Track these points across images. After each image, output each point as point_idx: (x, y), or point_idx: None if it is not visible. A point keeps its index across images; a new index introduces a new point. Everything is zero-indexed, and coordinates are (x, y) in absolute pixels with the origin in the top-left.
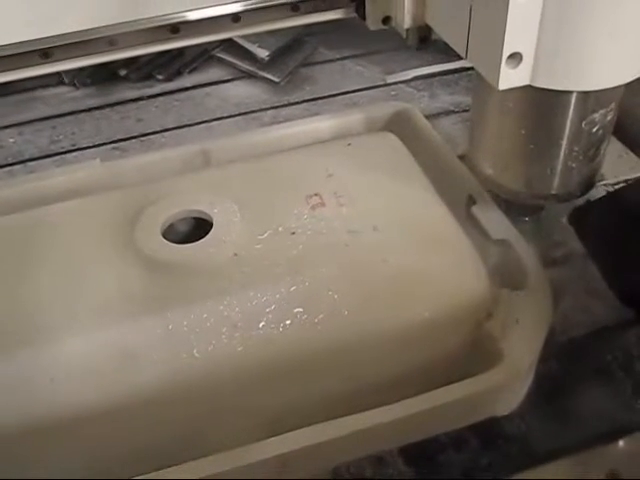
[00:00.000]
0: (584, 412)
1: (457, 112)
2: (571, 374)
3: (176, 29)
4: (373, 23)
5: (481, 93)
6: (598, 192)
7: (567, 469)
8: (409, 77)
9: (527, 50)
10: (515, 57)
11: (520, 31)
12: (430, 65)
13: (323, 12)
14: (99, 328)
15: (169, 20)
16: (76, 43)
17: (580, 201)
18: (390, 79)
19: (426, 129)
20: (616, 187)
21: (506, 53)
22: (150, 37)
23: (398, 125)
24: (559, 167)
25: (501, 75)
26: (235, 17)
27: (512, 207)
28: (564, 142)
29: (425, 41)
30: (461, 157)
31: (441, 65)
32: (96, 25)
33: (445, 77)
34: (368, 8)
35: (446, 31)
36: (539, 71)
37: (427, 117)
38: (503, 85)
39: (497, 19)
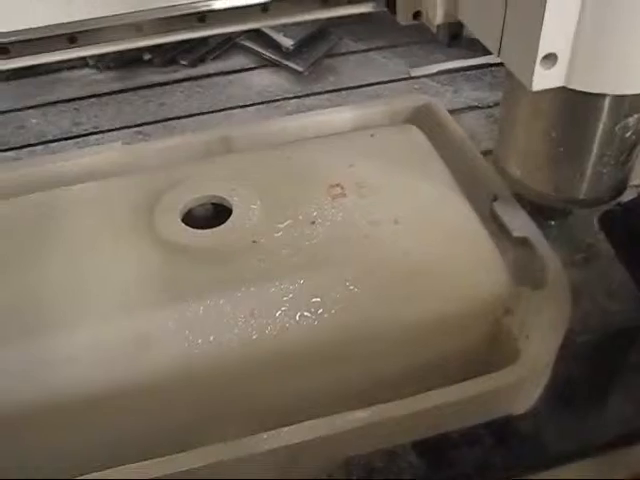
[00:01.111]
0: (601, 414)
1: (481, 108)
2: (589, 375)
3: (203, 18)
4: (404, 18)
5: (512, 92)
6: (628, 194)
7: (585, 471)
8: (433, 71)
9: (563, 51)
10: (550, 58)
11: (557, 31)
12: (455, 60)
13: (353, 5)
14: (116, 312)
15: (197, 8)
16: (102, 29)
17: (609, 205)
18: (414, 72)
19: (450, 124)
20: None
21: (541, 53)
22: (176, 25)
23: (421, 119)
24: (589, 171)
25: (535, 76)
26: (264, 7)
27: (539, 210)
28: (595, 146)
29: (456, 38)
30: (484, 153)
31: (466, 60)
32: (123, 11)
33: (469, 72)
34: (399, 2)
35: (479, 28)
36: (574, 73)
37: (450, 112)
38: (537, 86)
39: (533, 17)
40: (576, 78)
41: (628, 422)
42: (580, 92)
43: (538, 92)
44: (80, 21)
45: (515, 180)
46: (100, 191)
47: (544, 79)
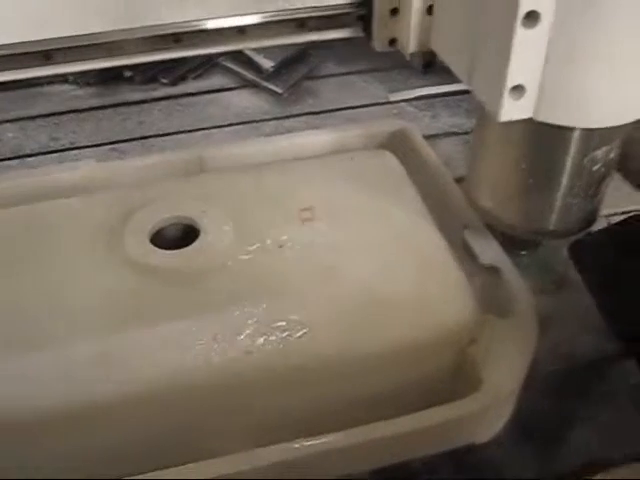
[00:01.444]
0: (564, 445)
1: (458, 134)
2: (554, 405)
3: (178, 39)
4: (379, 44)
5: (483, 122)
6: (598, 224)
7: None
8: (412, 96)
9: (531, 83)
10: (518, 89)
11: (524, 63)
12: (434, 86)
13: (330, 30)
14: (80, 331)
15: (173, 29)
16: (78, 47)
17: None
18: (393, 97)
19: (424, 149)
20: (612, 219)
21: (509, 85)
22: (152, 45)
23: (397, 144)
24: (558, 203)
25: (503, 107)
26: (241, 30)
27: (510, 240)
28: (564, 178)
29: (430, 65)
30: (459, 180)
31: (445, 86)
32: (98, 30)
33: (448, 98)
34: (375, 29)
35: (450, 58)
36: (542, 105)
37: (428, 137)
38: (504, 117)
39: (502, 50)
40: (544, 110)
41: (591, 453)
42: (549, 124)
43: (508, 123)
44: (55, 39)
45: (486, 211)
46: (70, 208)
47: (512, 110)
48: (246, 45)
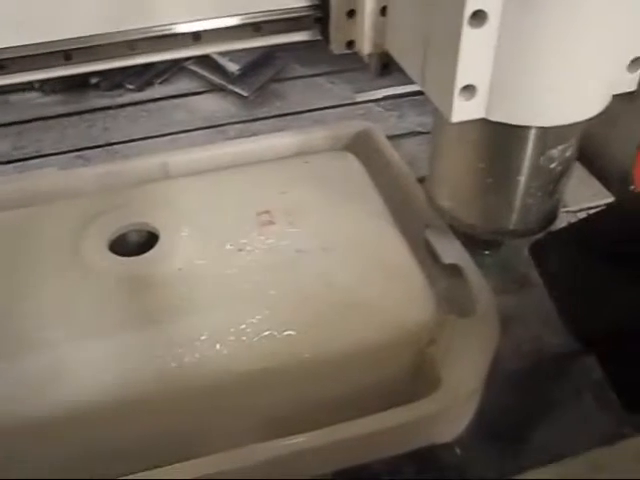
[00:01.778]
0: (528, 443)
1: (424, 133)
2: (518, 404)
3: (133, 46)
4: (337, 47)
5: (440, 124)
6: (565, 219)
7: None
8: (379, 96)
9: (481, 82)
10: (469, 89)
11: (474, 62)
12: (401, 85)
13: (287, 33)
14: (34, 340)
15: (126, 37)
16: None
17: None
18: (360, 97)
19: (387, 150)
20: (579, 215)
21: (459, 85)
22: (104, 53)
23: (359, 145)
24: (517, 203)
25: (454, 107)
26: (196, 36)
27: (472, 240)
28: (522, 178)
29: (387, 67)
30: (423, 179)
31: (412, 86)
32: (47, 39)
33: (415, 98)
34: (332, 32)
35: (404, 59)
36: (494, 105)
37: (394, 137)
38: (456, 118)
39: (450, 49)
40: (496, 110)
41: (554, 452)
42: (503, 124)
43: (464, 123)
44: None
45: (446, 211)
46: (30, 217)
47: (464, 110)
48: (202, 51)
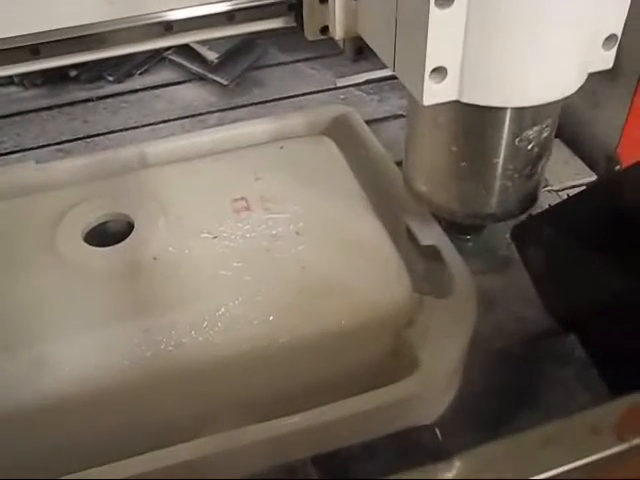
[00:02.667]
0: (509, 425)
1: (405, 116)
2: (501, 383)
3: (103, 39)
4: (311, 33)
5: (413, 108)
6: (550, 199)
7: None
8: (360, 80)
9: (452, 64)
10: (439, 71)
11: (443, 44)
12: (382, 69)
13: (261, 21)
14: (12, 331)
15: (96, 29)
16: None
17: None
18: (340, 82)
19: (364, 134)
20: (560, 194)
21: (429, 67)
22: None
23: (337, 129)
24: (494, 186)
25: (425, 90)
26: (167, 26)
27: (453, 225)
28: (498, 160)
29: (361, 52)
30: (401, 164)
31: None
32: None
33: (396, 81)
34: (305, 18)
35: (376, 43)
36: (466, 86)
37: (374, 121)
38: (428, 101)
39: (418, 31)
40: (468, 92)
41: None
42: (476, 106)
43: (436, 106)
44: None
45: (422, 196)
46: (6, 210)
47: (435, 93)
48: (175, 41)
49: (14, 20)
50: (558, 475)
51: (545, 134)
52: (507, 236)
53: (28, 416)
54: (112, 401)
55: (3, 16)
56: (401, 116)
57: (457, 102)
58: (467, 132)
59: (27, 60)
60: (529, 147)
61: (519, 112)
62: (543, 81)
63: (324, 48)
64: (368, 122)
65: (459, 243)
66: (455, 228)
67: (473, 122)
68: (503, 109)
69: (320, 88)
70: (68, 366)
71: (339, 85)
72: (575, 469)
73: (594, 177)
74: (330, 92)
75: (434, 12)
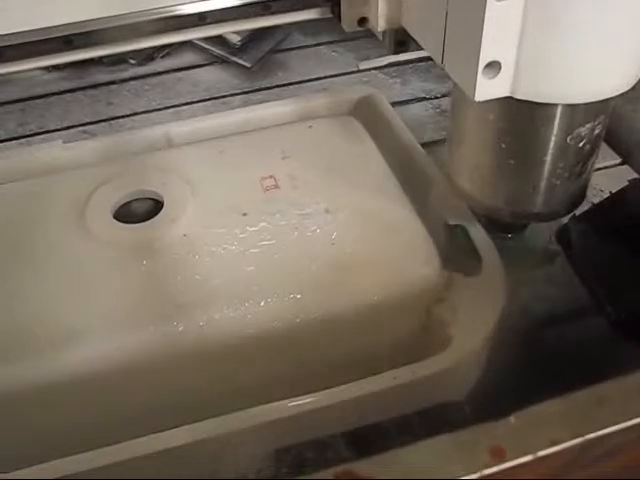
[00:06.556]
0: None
1: (428, 99)
2: (527, 362)
3: (137, 30)
4: (348, 24)
5: (459, 103)
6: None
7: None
8: (383, 64)
9: (507, 59)
10: (493, 66)
11: (498, 38)
12: (404, 52)
13: (297, 12)
14: (44, 305)
15: (131, 19)
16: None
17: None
18: (363, 66)
19: (390, 115)
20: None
21: (483, 62)
22: (113, 37)
23: (362, 110)
24: (542, 184)
25: (478, 85)
26: (201, 16)
27: (495, 223)
28: (548, 158)
29: (402, 45)
30: (429, 144)
31: (415, 52)
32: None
33: (419, 64)
34: (343, 8)
35: (422, 36)
36: (520, 82)
37: (398, 103)
38: (480, 96)
39: (473, 24)
40: (522, 87)
41: None
42: (528, 102)
43: (485, 102)
44: None
45: (467, 194)
46: (35, 189)
47: (488, 89)
48: (209, 32)
49: (47, 11)
50: (613, 433)
51: (597, 131)
52: (549, 235)
53: (58, 387)
54: (143, 377)
55: (37, 7)
56: (424, 99)
57: (508, 98)
58: (517, 129)
59: (60, 51)
60: (580, 144)
61: (572, 109)
62: (601, 77)
63: (345, 31)
64: (392, 104)
65: (499, 242)
66: (496, 226)
67: (524, 119)
68: (555, 105)
69: (343, 71)
70: (98, 341)
71: (361, 68)
72: (630, 428)
73: (634, 175)
74: (353, 75)
75: (492, 4)
